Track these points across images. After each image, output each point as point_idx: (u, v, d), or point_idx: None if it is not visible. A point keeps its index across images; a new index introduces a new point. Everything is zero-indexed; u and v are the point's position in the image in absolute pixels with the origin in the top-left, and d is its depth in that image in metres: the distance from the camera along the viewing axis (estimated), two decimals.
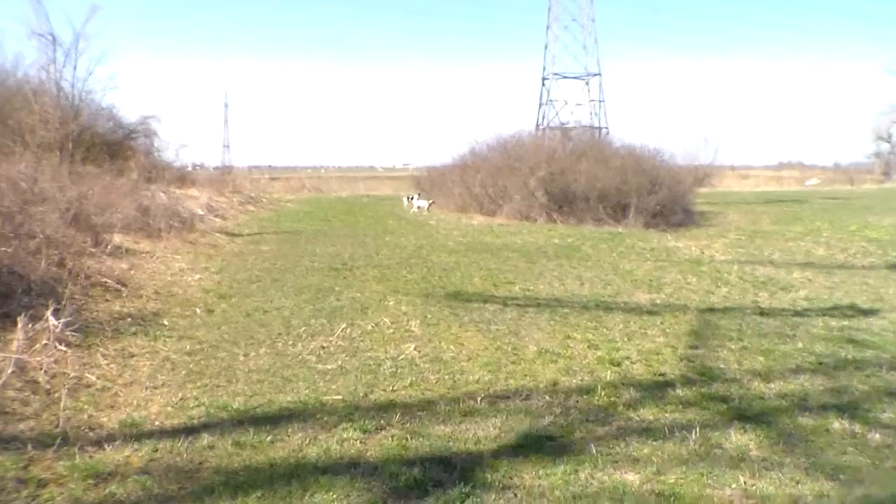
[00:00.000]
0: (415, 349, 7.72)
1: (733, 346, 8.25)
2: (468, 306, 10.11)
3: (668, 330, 9.06)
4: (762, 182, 58.04)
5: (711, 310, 10.45)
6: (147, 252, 13.99)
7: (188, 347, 7.70)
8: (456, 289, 11.52)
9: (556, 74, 49.46)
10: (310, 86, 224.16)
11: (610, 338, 8.54)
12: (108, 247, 13.14)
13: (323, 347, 7.77)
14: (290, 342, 7.98)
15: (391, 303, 10.23)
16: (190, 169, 44.19)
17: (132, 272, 11.75)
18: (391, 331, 8.57)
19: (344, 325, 8.71)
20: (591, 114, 47.52)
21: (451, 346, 7.89)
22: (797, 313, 10.32)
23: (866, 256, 16.42)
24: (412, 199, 30.21)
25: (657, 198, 22.87)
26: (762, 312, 10.24)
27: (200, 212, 24.06)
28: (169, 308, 9.68)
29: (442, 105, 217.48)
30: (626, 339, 8.53)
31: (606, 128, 46.49)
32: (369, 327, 8.73)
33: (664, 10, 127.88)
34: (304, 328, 8.59)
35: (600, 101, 50.01)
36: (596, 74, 50.14)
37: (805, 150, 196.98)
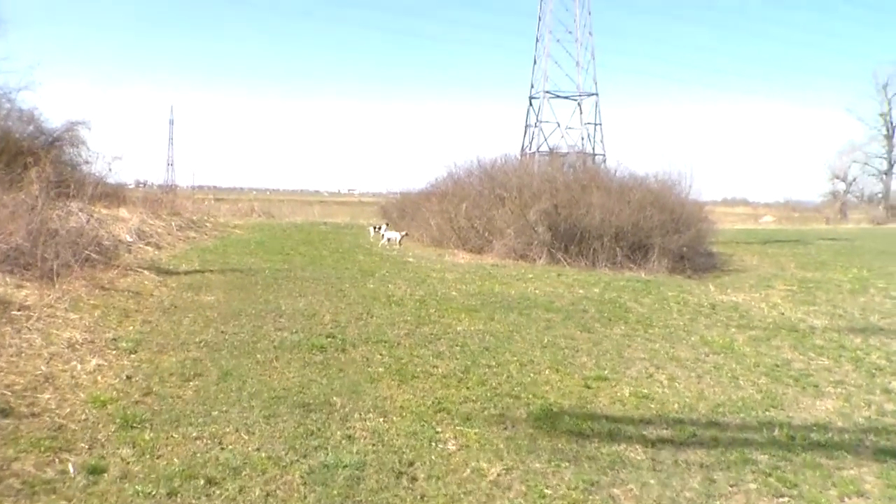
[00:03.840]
0: None
1: None
2: (592, 452, 5.22)
3: None
4: (720, 217, 54.26)
5: None
6: (25, 307, 8.62)
7: None
8: (535, 398, 6.57)
9: (548, 93, 43.40)
10: (255, 106, 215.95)
11: None
12: None
13: None
14: None
15: (451, 447, 5.19)
16: (132, 186, 38.17)
17: None
18: None
19: None
20: (582, 138, 42.00)
21: None
22: None
23: None
24: (380, 229, 25.06)
25: (683, 238, 18.27)
26: None
27: (128, 238, 18.53)
28: (11, 460, 4.44)
29: (392, 129, 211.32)
30: None
31: (603, 154, 41.18)
32: None
33: (612, 35, 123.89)
34: None
35: (596, 125, 43.97)
36: (592, 94, 44.25)
37: (746, 187, 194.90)
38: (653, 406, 6.60)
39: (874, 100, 63.19)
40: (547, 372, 7.56)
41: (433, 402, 6.15)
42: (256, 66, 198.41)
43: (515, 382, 7.02)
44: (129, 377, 6.47)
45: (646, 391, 7.07)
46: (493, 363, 7.76)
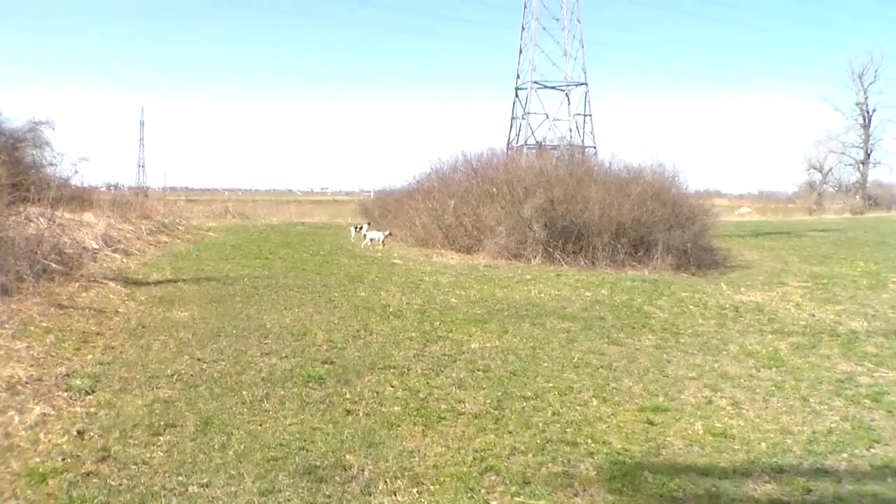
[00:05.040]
0: None
1: None
2: None
3: None
4: None
5: None
6: None
7: None
8: (595, 443, 5.24)
9: (535, 83, 41.14)
10: (226, 106, 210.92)
11: None
12: None
13: None
14: None
15: None
16: (103, 189, 36.08)
17: None
18: None
19: None
20: (570, 130, 40.16)
21: None
22: None
23: None
24: (361, 229, 23.60)
25: (688, 234, 17.04)
26: None
27: (94, 245, 16.92)
28: None
29: (365, 126, 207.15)
30: None
31: (594, 146, 39.43)
32: None
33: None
34: None
35: (586, 116, 42.01)
36: (581, 84, 42.21)
37: (718, 178, 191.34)
38: (737, 447, 5.28)
39: (850, 89, 62.34)
40: (595, 403, 6.21)
41: (474, 458, 4.74)
42: (226, 65, 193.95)
43: (565, 421, 5.65)
44: (80, 432, 4.99)
45: (719, 425, 5.75)
46: (529, 393, 6.38)
